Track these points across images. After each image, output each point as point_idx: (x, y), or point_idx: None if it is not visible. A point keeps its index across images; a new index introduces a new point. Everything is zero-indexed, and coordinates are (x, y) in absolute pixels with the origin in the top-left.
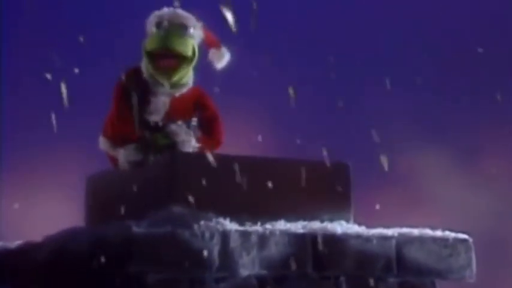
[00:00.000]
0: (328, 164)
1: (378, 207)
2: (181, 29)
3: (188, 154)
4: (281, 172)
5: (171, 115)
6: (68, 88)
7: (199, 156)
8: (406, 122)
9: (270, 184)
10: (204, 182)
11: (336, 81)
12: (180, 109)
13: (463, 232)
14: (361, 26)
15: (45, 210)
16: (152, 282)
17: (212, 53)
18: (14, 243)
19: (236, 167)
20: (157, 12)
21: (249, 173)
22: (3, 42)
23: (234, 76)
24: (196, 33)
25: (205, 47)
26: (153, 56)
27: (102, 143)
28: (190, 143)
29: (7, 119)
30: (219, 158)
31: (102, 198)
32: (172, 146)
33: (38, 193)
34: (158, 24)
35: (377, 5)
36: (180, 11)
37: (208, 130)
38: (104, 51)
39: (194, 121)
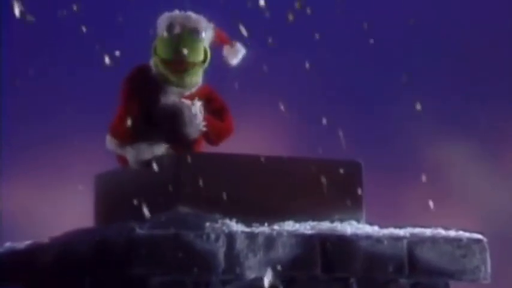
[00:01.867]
0: (339, 162)
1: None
2: (193, 33)
3: (194, 154)
4: (290, 171)
5: None
6: (71, 86)
7: (205, 156)
8: (426, 117)
9: (278, 184)
10: (209, 182)
11: (350, 75)
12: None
13: (480, 232)
14: (384, 22)
15: (52, 210)
16: (156, 284)
17: (227, 50)
18: (23, 243)
19: (243, 166)
20: (168, 14)
21: (257, 173)
22: (3, 42)
23: (243, 74)
24: (207, 35)
25: (217, 45)
26: (165, 61)
27: (110, 142)
28: (196, 120)
29: (7, 118)
30: (225, 157)
31: (110, 197)
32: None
33: (42, 193)
34: (169, 28)
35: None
36: (191, 14)
37: (218, 119)
38: (106, 50)
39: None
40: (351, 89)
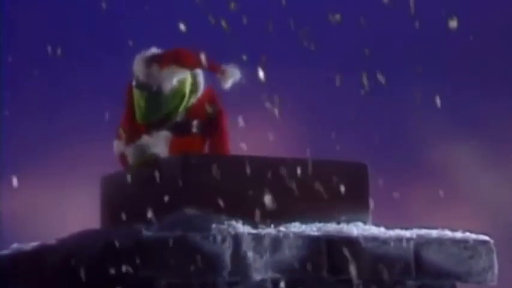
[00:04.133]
0: (345, 163)
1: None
2: (155, 94)
3: (200, 156)
4: (296, 172)
5: (188, 112)
6: (72, 86)
7: (211, 157)
8: (432, 118)
9: (284, 185)
10: (215, 184)
11: (354, 76)
12: (196, 106)
13: (487, 233)
14: (388, 22)
15: (52, 210)
16: (163, 286)
17: (219, 77)
18: (29, 245)
19: (249, 167)
20: (135, 74)
21: (262, 174)
22: (3, 41)
23: (246, 73)
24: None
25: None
26: None
27: (117, 146)
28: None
29: (8, 118)
30: (230, 158)
31: (117, 199)
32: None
33: (42, 193)
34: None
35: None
36: (153, 72)
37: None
38: (108, 50)
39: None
40: (356, 89)
